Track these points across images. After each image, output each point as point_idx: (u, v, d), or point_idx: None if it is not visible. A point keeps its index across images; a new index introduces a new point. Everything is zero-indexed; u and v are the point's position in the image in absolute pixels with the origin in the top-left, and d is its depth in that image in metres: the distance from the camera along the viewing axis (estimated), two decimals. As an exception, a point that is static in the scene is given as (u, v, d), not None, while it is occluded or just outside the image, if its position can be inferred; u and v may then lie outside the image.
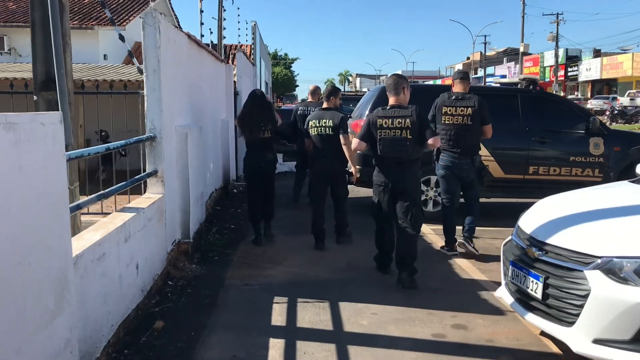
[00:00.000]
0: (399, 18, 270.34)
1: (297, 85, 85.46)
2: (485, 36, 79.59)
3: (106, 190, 3.76)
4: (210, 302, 4.62)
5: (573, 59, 56.73)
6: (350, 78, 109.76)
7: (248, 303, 4.62)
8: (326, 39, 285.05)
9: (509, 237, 4.16)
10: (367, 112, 7.80)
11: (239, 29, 17.28)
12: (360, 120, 7.96)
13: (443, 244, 6.38)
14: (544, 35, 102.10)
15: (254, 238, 6.49)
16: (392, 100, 5.15)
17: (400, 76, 5.31)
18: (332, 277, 5.33)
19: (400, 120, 4.94)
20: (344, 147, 6.16)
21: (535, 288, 3.40)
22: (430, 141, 4.99)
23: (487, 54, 69.61)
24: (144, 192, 4.91)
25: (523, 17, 48.11)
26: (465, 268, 5.63)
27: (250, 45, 19.30)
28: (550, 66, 54.98)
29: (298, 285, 5.06)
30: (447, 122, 6.06)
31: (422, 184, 7.73)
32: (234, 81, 12.03)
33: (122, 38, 6.18)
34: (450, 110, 6.05)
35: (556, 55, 53.65)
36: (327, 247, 6.41)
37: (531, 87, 8.09)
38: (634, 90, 41.65)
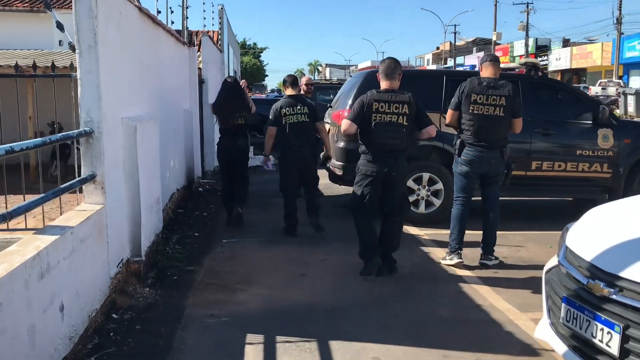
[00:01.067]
0: (369, 7, 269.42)
1: (267, 75, 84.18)
2: (455, 26, 79.19)
3: (12, 209, 2.70)
4: (164, 344, 3.59)
5: (543, 49, 56.76)
6: (320, 68, 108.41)
7: (213, 345, 3.60)
8: (295, 29, 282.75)
9: (554, 261, 3.25)
10: (349, 102, 6.87)
11: (204, 11, 16.04)
12: (343, 110, 7.00)
13: (443, 253, 5.49)
14: (513, 24, 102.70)
15: (227, 219, 6.80)
16: (385, 85, 4.87)
17: (396, 61, 4.97)
18: (317, 303, 4.34)
19: (397, 106, 4.71)
20: (323, 134, 6.32)
21: (607, 340, 2.47)
22: (428, 130, 4.81)
23: (457, 43, 69.49)
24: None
25: (496, 5, 47.67)
26: (478, 288, 4.70)
27: (217, 32, 18.12)
28: (520, 55, 54.82)
29: (276, 316, 4.06)
30: (475, 111, 5.16)
31: (413, 182, 6.84)
32: (199, 68, 10.96)
33: (60, 26, 4.74)
34: (480, 99, 5.16)
35: (526, 45, 53.62)
36: (308, 260, 5.43)
37: (532, 72, 7.21)
38: (605, 80, 41.53)
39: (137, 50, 5.16)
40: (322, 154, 7.61)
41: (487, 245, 5.33)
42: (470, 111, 5.19)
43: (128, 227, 4.48)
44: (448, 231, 6.41)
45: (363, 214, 4.98)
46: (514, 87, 5.25)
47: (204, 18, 13.76)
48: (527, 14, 53.04)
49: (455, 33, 69.06)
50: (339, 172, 7.01)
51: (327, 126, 7.59)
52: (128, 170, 4.43)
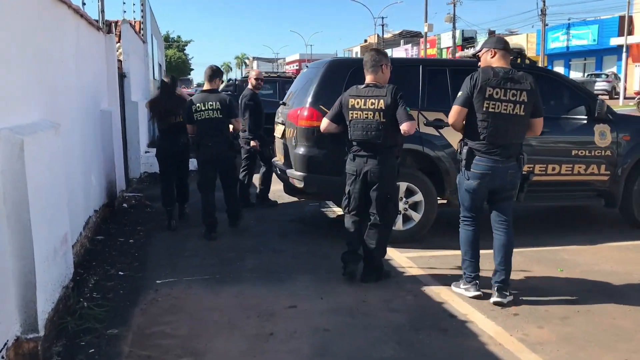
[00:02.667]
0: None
1: (192, 69, 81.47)
2: (382, 18, 79.22)
3: None
4: None
5: (469, 40, 57.51)
6: (247, 61, 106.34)
7: None
8: (221, 21, 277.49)
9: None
10: (309, 99, 5.64)
11: (124, 3, 14.25)
12: (301, 108, 5.74)
13: (439, 285, 4.37)
14: (439, 17, 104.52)
15: (167, 223, 6.42)
16: (368, 79, 4.58)
17: (379, 51, 4.69)
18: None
19: (373, 101, 4.42)
20: (234, 131, 6.23)
21: None
22: (403, 126, 4.35)
23: (385, 36, 69.56)
24: None
25: (426, -4, 47.60)
26: (507, 344, 3.54)
27: (140, 21, 16.37)
28: (447, 47, 55.25)
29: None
30: (491, 109, 4.08)
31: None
32: (120, 60, 9.37)
33: None
34: (497, 94, 4.08)
35: (454, 37, 54.06)
36: (273, 307, 4.13)
37: (519, 59, 6.19)
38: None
39: (24, 31, 3.68)
40: (270, 147, 7.28)
41: (501, 277, 4.22)
42: (485, 109, 4.09)
43: (16, 290, 3.04)
44: (435, 252, 5.41)
45: (349, 215, 4.69)
46: (534, 80, 4.16)
47: (124, 3, 11.98)
48: (454, 6, 53.39)
49: (383, 25, 69.13)
50: (298, 185, 5.74)
51: (281, 127, 6.30)
52: (12, 207, 2.98)
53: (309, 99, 5.67)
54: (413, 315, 3.98)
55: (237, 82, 13.99)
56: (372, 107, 4.41)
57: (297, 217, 6.99)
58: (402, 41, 71.75)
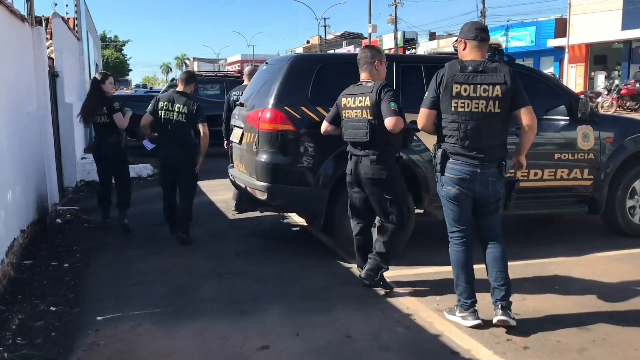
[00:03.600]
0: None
1: (131, 70, 78.75)
2: (325, 19, 78.99)
3: None
4: None
5: (410, 42, 58.12)
6: (187, 62, 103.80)
7: None
8: (161, 21, 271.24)
9: None
10: (272, 100, 4.99)
11: (56, -3, 13.12)
12: (262, 110, 5.07)
13: (427, 310, 3.84)
14: (382, 18, 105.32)
15: (101, 221, 6.37)
16: (362, 77, 4.38)
17: (372, 48, 4.46)
18: None
19: (361, 99, 4.23)
20: (204, 137, 5.72)
21: None
22: (386, 122, 4.04)
23: (327, 37, 69.48)
24: None
25: (370, -4, 47.70)
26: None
27: (74, 18, 15.23)
28: (389, 49, 55.53)
29: None
30: (460, 109, 3.60)
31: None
32: (51, 58, 8.43)
33: None
34: (465, 90, 3.58)
35: (395, 38, 54.57)
36: (240, 349, 3.44)
37: (496, 56, 5.72)
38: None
39: None
40: None
41: (501, 294, 3.70)
42: (454, 109, 3.62)
43: None
44: (416, 270, 4.86)
45: (351, 217, 4.52)
46: (511, 70, 3.61)
47: (54, -4, 10.92)
48: (395, 7, 53.87)
49: (325, 26, 69.09)
50: (261, 196, 5.05)
51: (239, 131, 5.59)
52: None
53: (272, 100, 4.99)
54: (410, 355, 3.38)
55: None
56: (359, 105, 4.20)
57: (255, 230, 6.29)
58: (344, 42, 71.88)
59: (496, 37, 45.57)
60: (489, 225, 3.78)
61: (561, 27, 36.76)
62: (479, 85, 3.55)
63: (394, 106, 4.02)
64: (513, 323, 3.63)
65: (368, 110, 4.14)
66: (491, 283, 3.73)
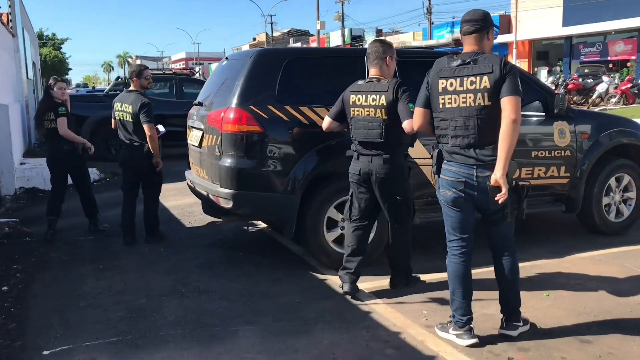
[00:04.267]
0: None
1: (70, 69, 75.89)
2: (271, 16, 78.30)
3: None
4: None
5: (357, 39, 58.37)
6: (130, 60, 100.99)
7: None
8: (101, 18, 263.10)
9: None
10: (235, 99, 4.55)
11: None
12: (224, 110, 4.62)
13: (415, 326, 3.49)
14: (329, 15, 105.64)
15: (45, 234, 5.90)
16: (371, 73, 4.16)
17: (383, 42, 4.17)
18: None
19: (374, 97, 4.00)
20: (149, 139, 5.43)
21: None
22: (404, 125, 3.89)
23: (274, 35, 68.96)
24: None
25: (318, -7, 47.52)
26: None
27: (7, 13, 14.26)
28: (337, 46, 55.49)
29: None
30: (447, 105, 3.33)
31: (337, 212, 4.73)
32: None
33: None
34: (452, 85, 3.31)
35: (343, 35, 54.74)
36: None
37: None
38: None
39: None
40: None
41: (508, 306, 3.50)
42: (442, 105, 3.36)
43: None
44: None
45: (352, 219, 4.27)
46: (502, 59, 3.25)
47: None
48: (342, 4, 53.96)
49: (272, 24, 68.61)
50: (225, 204, 4.60)
51: (199, 133, 5.12)
52: None
53: (235, 99, 4.55)
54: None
55: (127, 81, 12.40)
56: (373, 103, 3.98)
57: (216, 240, 5.82)
58: (291, 40, 71.60)
59: (442, 34, 46.30)
60: (498, 233, 3.45)
61: (505, 24, 37.51)
62: (465, 78, 3.24)
63: (412, 107, 3.77)
64: (515, 334, 3.46)
65: (383, 110, 3.93)
66: (499, 295, 3.54)
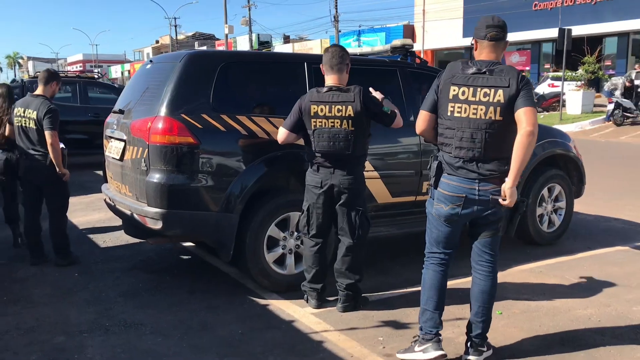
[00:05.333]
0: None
1: (-49, 69, 69.94)
2: (175, 19, 76.39)
3: None
4: None
5: (265, 45, 58.40)
6: (21, 61, 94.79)
7: None
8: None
9: None
10: (165, 107, 4.12)
11: None
12: (151, 119, 4.13)
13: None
14: (237, 19, 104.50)
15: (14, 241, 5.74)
16: (330, 80, 3.90)
17: (342, 48, 4.01)
18: None
19: (340, 108, 3.79)
20: (50, 148, 4.94)
21: None
22: (396, 123, 3.98)
23: (178, 37, 67.37)
24: None
25: (225, -2, 46.91)
26: None
27: None
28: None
29: None
30: (457, 114, 3.14)
31: (278, 229, 4.36)
32: None
33: None
34: (464, 94, 3.11)
35: (250, 40, 54.56)
36: None
37: (408, 58, 5.27)
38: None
39: None
40: None
41: (477, 331, 3.29)
42: (450, 113, 3.16)
43: None
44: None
45: (311, 235, 4.03)
46: (519, 73, 3.10)
47: None
48: (249, 9, 53.62)
49: (176, 26, 66.97)
50: (154, 225, 4.10)
51: (119, 144, 4.58)
52: None
53: (164, 107, 4.06)
54: None
55: (24, 83, 11.33)
56: (338, 114, 3.78)
57: (138, 262, 5.25)
58: (196, 43, 70.37)
59: (349, 42, 46.99)
60: (486, 247, 3.31)
61: (409, 33, 38.73)
62: (479, 88, 3.06)
63: (387, 109, 3.87)
64: (480, 358, 3.28)
65: (350, 121, 3.77)
66: (471, 317, 3.32)
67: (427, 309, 3.29)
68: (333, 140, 3.80)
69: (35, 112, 4.98)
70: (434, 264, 3.35)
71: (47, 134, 4.90)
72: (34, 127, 4.99)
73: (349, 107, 3.76)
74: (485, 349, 3.31)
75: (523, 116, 2.97)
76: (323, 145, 3.83)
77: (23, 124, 5.06)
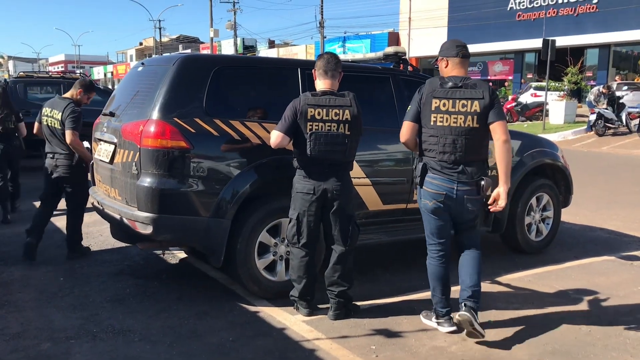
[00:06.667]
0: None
1: None
2: (159, 21, 76.00)
3: None
4: None
5: (250, 49, 58.30)
6: (1, 60, 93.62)
7: None
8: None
9: None
10: (157, 111, 4.06)
11: None
12: (143, 122, 4.07)
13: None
14: (222, 23, 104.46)
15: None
16: (324, 85, 3.94)
17: (334, 55, 4.07)
18: None
19: (337, 112, 3.82)
20: (71, 146, 5.17)
21: None
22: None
23: (162, 40, 67.04)
24: None
25: (211, 2, 46.77)
26: None
27: None
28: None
29: None
30: (439, 123, 3.64)
31: (269, 235, 4.32)
32: None
33: None
34: (445, 106, 3.62)
35: (235, 44, 54.48)
36: None
37: (401, 65, 5.27)
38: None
39: None
40: None
41: (467, 295, 3.70)
42: (433, 123, 3.65)
43: None
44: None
45: (302, 244, 3.95)
46: (490, 88, 3.62)
47: None
48: (235, 13, 53.63)
49: (160, 28, 66.66)
50: (144, 230, 4.04)
51: (109, 147, 4.51)
52: None
53: (157, 110, 4.02)
54: None
55: (7, 84, 11.11)
56: (336, 118, 3.82)
57: (125, 267, 5.17)
58: (180, 46, 70.03)
59: (334, 48, 47.13)
60: (468, 239, 3.85)
61: (393, 40, 38.90)
62: (457, 100, 3.58)
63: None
64: (477, 327, 3.56)
65: (347, 125, 3.83)
66: (460, 285, 3.74)
67: (436, 294, 3.81)
68: (331, 144, 3.82)
69: (60, 114, 5.22)
70: (434, 258, 3.81)
71: (66, 132, 5.13)
72: (59, 128, 5.24)
73: (347, 111, 3.82)
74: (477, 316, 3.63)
75: (498, 128, 3.56)
76: (319, 149, 3.82)
77: (50, 124, 5.33)
